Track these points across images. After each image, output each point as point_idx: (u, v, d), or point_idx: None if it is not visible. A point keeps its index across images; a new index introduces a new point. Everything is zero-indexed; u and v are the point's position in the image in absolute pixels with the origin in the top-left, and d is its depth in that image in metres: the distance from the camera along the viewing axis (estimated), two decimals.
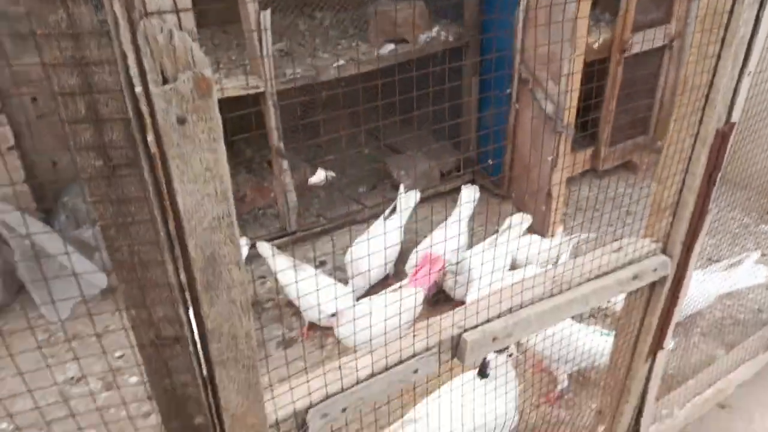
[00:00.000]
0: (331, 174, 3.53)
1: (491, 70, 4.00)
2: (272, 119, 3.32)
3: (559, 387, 2.68)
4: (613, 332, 2.11)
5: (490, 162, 4.16)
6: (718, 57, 1.48)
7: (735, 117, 1.58)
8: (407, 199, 3.53)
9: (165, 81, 0.75)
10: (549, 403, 2.68)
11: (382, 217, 3.48)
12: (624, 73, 4.00)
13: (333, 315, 2.76)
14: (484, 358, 2.16)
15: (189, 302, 0.94)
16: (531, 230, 3.66)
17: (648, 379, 2.08)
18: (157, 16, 0.73)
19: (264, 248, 3.19)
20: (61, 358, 2.83)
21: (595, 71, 3.68)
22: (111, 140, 0.76)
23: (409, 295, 2.81)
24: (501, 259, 3.00)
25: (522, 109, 3.76)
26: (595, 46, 3.77)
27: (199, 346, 0.99)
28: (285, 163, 3.53)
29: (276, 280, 3.33)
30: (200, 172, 0.81)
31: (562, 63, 3.08)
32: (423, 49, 3.81)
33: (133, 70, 0.77)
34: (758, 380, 2.77)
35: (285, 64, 3.44)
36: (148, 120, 0.78)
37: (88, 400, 2.46)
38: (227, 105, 3.84)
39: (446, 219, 3.62)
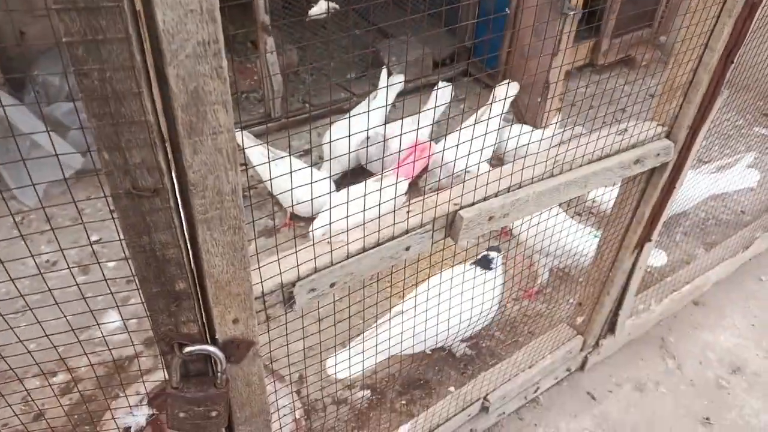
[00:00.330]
0: (335, 5, 3.27)
1: None
2: None
3: (539, 281, 2.70)
4: (601, 233, 2.09)
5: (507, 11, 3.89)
6: None
7: None
8: (392, 81, 3.36)
9: None
10: (529, 298, 2.72)
11: (366, 99, 3.32)
12: None
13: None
14: (486, 254, 2.19)
15: (169, 150, 0.85)
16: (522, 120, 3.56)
17: (632, 272, 2.09)
18: None
19: (239, 137, 3.02)
20: (37, 242, 2.75)
21: None
22: None
23: (391, 185, 2.73)
24: (483, 141, 2.89)
25: None
26: None
27: (180, 202, 0.91)
28: (271, 42, 3.31)
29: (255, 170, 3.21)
30: None
31: None
32: None
33: None
34: (733, 278, 2.83)
35: None
36: None
37: (63, 283, 2.42)
38: None
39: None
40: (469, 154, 1.38)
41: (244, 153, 2.93)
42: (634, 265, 2.07)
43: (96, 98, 0.73)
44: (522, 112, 3.76)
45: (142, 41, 0.76)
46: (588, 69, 4.25)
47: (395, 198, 2.74)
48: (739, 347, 2.52)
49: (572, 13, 2.93)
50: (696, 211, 3.15)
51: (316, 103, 3.72)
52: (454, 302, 1.80)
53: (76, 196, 2.91)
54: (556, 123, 3.01)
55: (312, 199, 2.61)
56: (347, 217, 1.17)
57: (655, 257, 2.72)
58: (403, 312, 2.04)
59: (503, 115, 3.20)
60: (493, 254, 2.22)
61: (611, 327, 2.33)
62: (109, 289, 1.01)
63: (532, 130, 3.32)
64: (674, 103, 1.63)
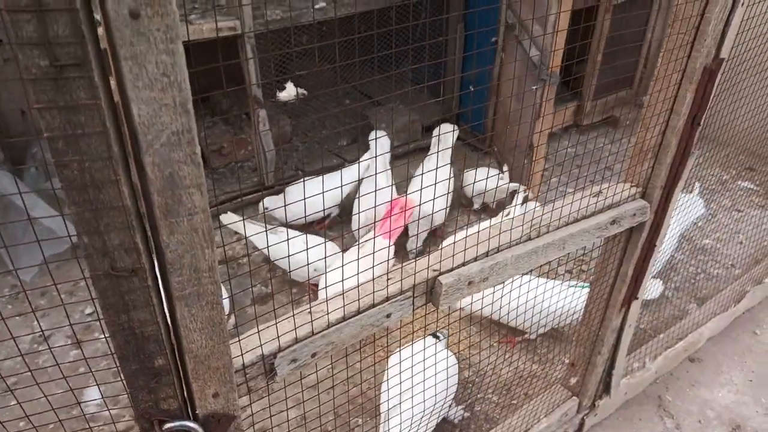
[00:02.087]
0: (303, 91, 3.40)
1: (476, 22, 3.90)
2: (250, 65, 3.20)
3: (525, 336, 2.70)
4: (588, 284, 2.11)
5: (471, 89, 4.06)
6: None
7: (724, 53, 1.54)
8: (374, 136, 3.45)
9: None
10: (510, 344, 2.68)
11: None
12: (612, 27, 3.93)
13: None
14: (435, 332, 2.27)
15: (148, 230, 0.89)
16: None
17: (621, 330, 2.10)
18: None
19: (229, 218, 2.99)
20: (29, 316, 2.76)
21: (585, 23, 3.60)
22: (57, 35, 0.68)
23: (383, 249, 2.76)
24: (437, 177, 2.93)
25: (507, 58, 3.68)
26: None
27: (160, 279, 0.94)
28: (263, 114, 3.42)
29: (248, 242, 3.18)
30: (156, 78, 0.74)
31: (550, 8, 2.99)
32: None
33: None
34: (728, 333, 2.82)
35: (264, 5, 3.30)
36: (98, 12, 0.71)
37: (57, 356, 2.41)
38: (204, 52, 3.65)
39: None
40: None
41: (246, 238, 2.96)
42: (623, 323, 2.08)
43: (75, 187, 0.77)
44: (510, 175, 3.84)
45: (121, 132, 0.82)
46: (573, 129, 4.38)
47: (373, 265, 2.75)
48: (738, 404, 2.48)
49: (550, 80, 3.05)
50: (686, 266, 3.17)
51: (308, 170, 3.81)
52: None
53: (72, 269, 2.94)
54: (515, 206, 3.10)
55: (308, 264, 2.64)
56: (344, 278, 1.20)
57: (651, 289, 2.79)
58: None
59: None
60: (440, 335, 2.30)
61: (606, 387, 2.30)
62: (90, 369, 1.02)
63: (498, 174, 3.43)
64: (646, 165, 1.69)
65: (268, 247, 2.73)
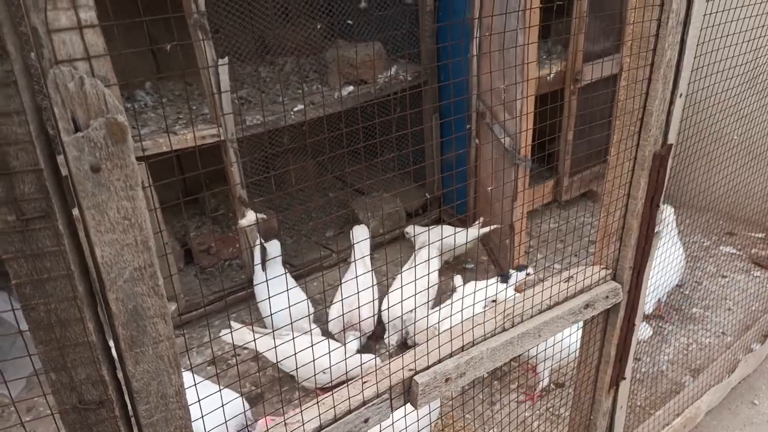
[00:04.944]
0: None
1: (451, 111, 4.09)
2: (234, 169, 3.32)
3: (541, 386, 2.78)
4: None
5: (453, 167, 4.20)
6: (649, 80, 1.53)
7: (671, 139, 1.63)
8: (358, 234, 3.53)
9: (77, 129, 0.75)
10: (532, 401, 2.78)
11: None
12: (580, 105, 4.12)
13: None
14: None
15: (117, 361, 0.92)
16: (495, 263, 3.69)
17: (613, 412, 2.07)
18: (68, 63, 0.73)
19: (242, 334, 2.88)
20: None
21: (549, 105, 3.79)
22: (23, 193, 0.74)
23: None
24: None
25: (482, 144, 3.84)
26: (549, 78, 3.89)
27: (130, 407, 0.96)
28: (241, 216, 3.51)
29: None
30: (118, 221, 0.79)
31: (515, 100, 3.16)
32: (382, 89, 3.89)
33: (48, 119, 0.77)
34: (726, 404, 2.77)
35: (246, 112, 3.47)
36: (65, 169, 0.78)
37: None
38: (191, 157, 3.76)
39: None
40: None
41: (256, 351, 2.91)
42: (614, 405, 2.06)
43: (42, 328, 0.81)
44: (494, 252, 3.90)
45: (87, 270, 0.86)
46: (554, 205, 4.48)
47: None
48: None
49: (522, 162, 3.17)
50: (677, 337, 3.16)
51: (296, 263, 3.85)
52: None
53: None
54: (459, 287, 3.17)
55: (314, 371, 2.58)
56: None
57: (641, 330, 2.83)
58: None
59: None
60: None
61: None
62: None
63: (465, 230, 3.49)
64: (612, 248, 1.74)
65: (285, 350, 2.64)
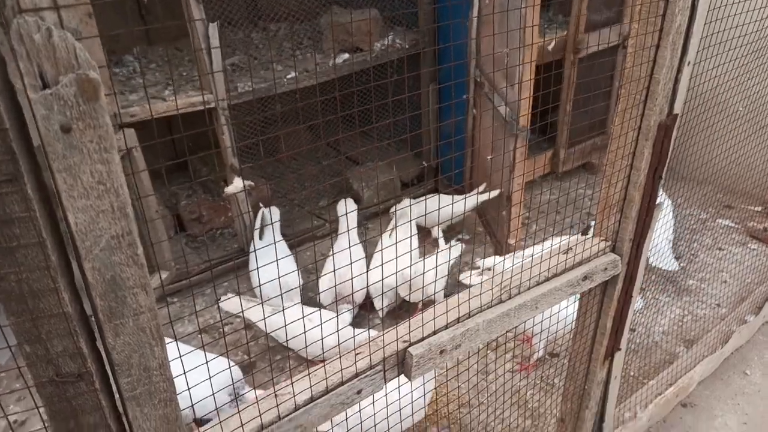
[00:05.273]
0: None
1: (449, 77, 4.00)
2: (225, 136, 3.25)
3: (535, 356, 2.78)
4: None
5: (449, 153, 4.14)
6: (657, 47, 1.47)
7: (677, 108, 1.57)
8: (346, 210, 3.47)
9: (45, 86, 0.69)
10: (526, 371, 2.77)
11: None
12: (580, 75, 4.04)
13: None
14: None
15: (97, 332, 0.88)
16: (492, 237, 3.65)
17: (607, 382, 2.06)
18: (33, 13, 0.67)
19: (233, 304, 2.88)
20: (5, 401, 2.68)
21: (552, 74, 3.70)
22: None
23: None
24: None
25: (480, 114, 3.76)
26: (550, 47, 3.80)
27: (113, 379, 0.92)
28: (236, 179, 3.45)
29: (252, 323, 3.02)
30: (92, 186, 0.74)
31: (515, 68, 3.08)
32: (378, 57, 3.79)
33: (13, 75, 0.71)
34: (719, 375, 2.78)
35: (238, 79, 3.38)
36: (33, 129, 0.72)
37: None
38: (185, 121, 3.66)
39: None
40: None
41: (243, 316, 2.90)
42: (608, 375, 2.05)
43: (13, 298, 0.76)
44: (490, 224, 3.87)
45: (62, 238, 0.81)
46: (551, 177, 4.43)
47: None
48: None
49: (521, 133, 3.11)
50: (672, 308, 3.15)
51: (289, 233, 3.80)
52: None
53: None
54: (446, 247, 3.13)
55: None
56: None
57: (667, 262, 2.99)
58: None
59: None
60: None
61: None
62: None
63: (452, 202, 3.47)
64: (612, 219, 1.70)
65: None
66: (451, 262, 3.20)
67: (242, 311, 2.50)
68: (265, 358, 2.90)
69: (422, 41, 3.96)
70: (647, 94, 1.53)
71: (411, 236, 2.83)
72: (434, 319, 1.39)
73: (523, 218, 3.85)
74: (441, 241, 3.39)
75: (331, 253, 3.22)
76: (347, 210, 3.45)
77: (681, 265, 3.47)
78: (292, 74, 3.43)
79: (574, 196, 4.16)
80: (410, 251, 3.03)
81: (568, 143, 4.32)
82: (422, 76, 4.06)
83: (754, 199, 4.07)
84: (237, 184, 3.21)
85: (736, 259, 3.48)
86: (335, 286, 2.93)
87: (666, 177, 1.69)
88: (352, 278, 2.96)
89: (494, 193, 3.55)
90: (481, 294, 1.48)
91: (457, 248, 3.19)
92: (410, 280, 2.89)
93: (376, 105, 3.11)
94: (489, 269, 3.02)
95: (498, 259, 3.04)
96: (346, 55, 3.76)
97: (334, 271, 2.96)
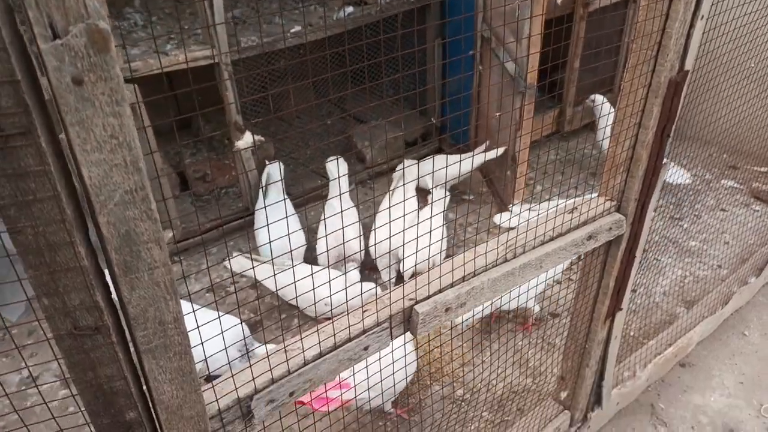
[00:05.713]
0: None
1: (455, 32, 3.92)
2: (228, 92, 3.21)
3: (533, 316, 2.84)
4: None
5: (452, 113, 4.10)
6: (670, 0, 1.44)
7: (688, 65, 1.55)
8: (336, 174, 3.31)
9: (56, 36, 0.68)
10: (527, 330, 2.83)
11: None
12: (588, 31, 3.96)
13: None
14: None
15: (112, 287, 0.89)
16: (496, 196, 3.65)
17: (607, 341, 2.10)
18: None
19: (240, 262, 2.89)
20: (17, 358, 2.74)
21: (562, 29, 3.62)
22: (0, 106, 0.68)
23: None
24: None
25: (486, 70, 3.71)
26: (559, 1, 3.71)
27: (128, 333, 0.94)
28: (239, 139, 3.43)
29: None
30: (105, 140, 0.74)
31: (523, 21, 3.02)
32: (383, 11, 3.71)
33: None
34: (717, 335, 2.82)
35: (239, 33, 3.32)
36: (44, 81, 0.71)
37: (46, 398, 2.39)
38: (182, 79, 3.64)
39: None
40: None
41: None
42: (608, 335, 2.08)
43: (31, 252, 0.77)
44: (494, 183, 3.86)
45: (76, 193, 0.82)
46: (556, 136, 4.40)
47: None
48: (730, 408, 2.48)
49: (528, 90, 3.07)
50: (673, 269, 3.18)
51: (293, 192, 3.81)
52: None
53: None
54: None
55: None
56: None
57: (679, 176, 3.11)
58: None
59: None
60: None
61: (597, 399, 2.30)
62: (80, 408, 1.01)
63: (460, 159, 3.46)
64: (619, 179, 1.70)
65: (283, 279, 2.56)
66: (448, 216, 3.19)
67: (252, 267, 2.52)
68: (271, 316, 2.95)
69: None
70: (659, 49, 1.50)
71: (405, 200, 2.72)
72: (440, 277, 1.40)
73: (527, 179, 3.84)
74: (434, 191, 3.35)
75: (322, 217, 3.18)
76: (337, 172, 3.26)
77: (683, 226, 3.48)
78: (297, 28, 3.36)
79: (581, 156, 4.15)
80: (404, 216, 3.02)
81: (575, 101, 4.28)
82: (428, 30, 3.99)
83: (760, 159, 4.05)
84: (247, 139, 3.19)
85: (739, 221, 3.49)
86: (336, 247, 2.94)
87: (672, 137, 1.68)
88: (344, 241, 2.95)
89: (500, 150, 3.53)
90: (486, 253, 1.49)
91: (447, 198, 3.23)
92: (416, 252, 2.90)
93: (381, 60, 3.05)
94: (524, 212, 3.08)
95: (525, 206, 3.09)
96: (351, 9, 3.69)
97: (326, 236, 2.96)
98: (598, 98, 4.02)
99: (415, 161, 3.67)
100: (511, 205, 3.42)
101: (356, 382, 2.14)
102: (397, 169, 3.68)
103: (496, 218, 3.32)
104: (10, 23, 0.67)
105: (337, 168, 3.24)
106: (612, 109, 2.98)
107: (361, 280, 3.05)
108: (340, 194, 3.15)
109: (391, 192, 3.43)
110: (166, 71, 3.13)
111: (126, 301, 0.86)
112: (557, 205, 1.74)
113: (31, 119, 0.70)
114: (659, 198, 1.85)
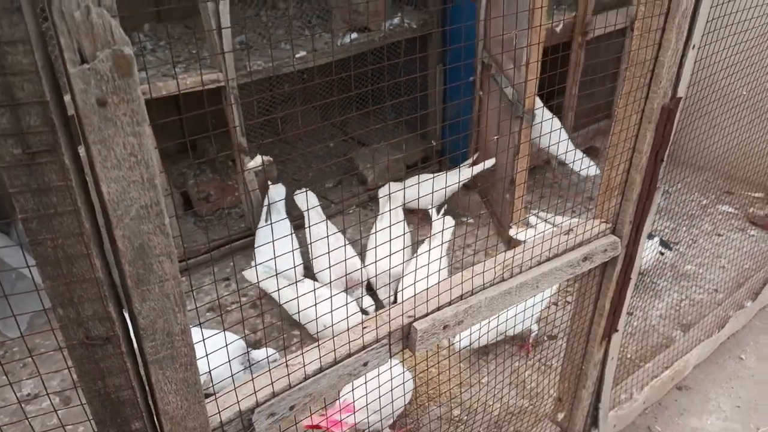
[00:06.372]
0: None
1: (456, 59, 4.01)
2: (234, 115, 3.28)
3: (532, 336, 2.85)
4: None
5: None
6: (663, 30, 1.50)
7: (681, 92, 1.61)
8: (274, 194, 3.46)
9: (83, 61, 0.73)
10: (527, 351, 2.84)
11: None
12: (587, 58, 4.05)
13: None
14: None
15: (123, 299, 0.93)
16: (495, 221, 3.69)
17: (604, 363, 2.12)
18: None
19: (253, 275, 2.96)
20: (18, 375, 2.75)
21: (559, 56, 3.70)
22: (29, 125, 0.73)
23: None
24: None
25: (486, 96, 3.79)
26: (558, 29, 3.81)
27: (136, 345, 0.97)
28: (248, 160, 3.49)
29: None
30: (124, 158, 0.79)
31: (522, 49, 3.10)
32: (386, 37, 3.81)
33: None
34: (714, 359, 2.84)
35: (246, 58, 3.40)
36: (70, 103, 0.76)
37: (44, 417, 2.40)
38: (189, 102, 3.71)
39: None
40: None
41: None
42: (605, 356, 2.10)
43: (49, 263, 0.81)
44: (493, 206, 3.91)
45: (93, 208, 0.86)
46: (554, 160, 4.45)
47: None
48: (726, 431, 2.49)
49: (526, 115, 3.14)
50: (670, 293, 3.21)
51: (295, 213, 3.85)
52: None
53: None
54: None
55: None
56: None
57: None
58: None
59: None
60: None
61: (594, 421, 2.31)
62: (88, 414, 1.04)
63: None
64: (614, 202, 1.75)
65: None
66: (445, 244, 3.22)
67: (258, 281, 2.52)
68: (271, 335, 2.97)
69: (431, 22, 3.97)
70: (652, 77, 1.56)
71: (391, 226, 2.71)
72: (438, 295, 1.44)
73: (525, 201, 3.89)
74: (432, 213, 3.40)
75: (309, 242, 3.23)
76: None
77: (679, 250, 3.52)
78: (302, 53, 3.44)
79: (577, 179, 4.20)
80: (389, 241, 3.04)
81: (573, 127, 4.35)
82: (430, 56, 4.08)
83: (755, 185, 4.10)
84: (257, 160, 3.30)
85: (735, 245, 3.53)
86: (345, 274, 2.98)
87: (666, 162, 1.73)
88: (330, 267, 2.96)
89: (489, 162, 3.59)
90: (483, 272, 1.53)
91: (449, 220, 3.26)
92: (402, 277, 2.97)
93: (384, 85, 3.14)
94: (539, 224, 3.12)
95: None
96: (354, 35, 3.78)
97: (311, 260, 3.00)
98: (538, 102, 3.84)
99: (401, 185, 3.66)
100: (527, 216, 3.49)
101: (356, 409, 2.16)
102: (380, 194, 3.71)
103: (512, 231, 3.37)
104: (42, 48, 0.72)
105: (306, 201, 3.45)
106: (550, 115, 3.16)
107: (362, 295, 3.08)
108: (309, 226, 3.24)
109: (378, 217, 3.48)
110: (171, 94, 3.19)
111: (137, 312, 0.90)
112: (570, 220, 1.78)
113: (57, 137, 0.75)
114: (653, 222, 1.89)
